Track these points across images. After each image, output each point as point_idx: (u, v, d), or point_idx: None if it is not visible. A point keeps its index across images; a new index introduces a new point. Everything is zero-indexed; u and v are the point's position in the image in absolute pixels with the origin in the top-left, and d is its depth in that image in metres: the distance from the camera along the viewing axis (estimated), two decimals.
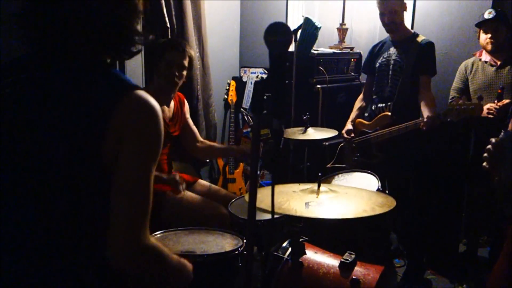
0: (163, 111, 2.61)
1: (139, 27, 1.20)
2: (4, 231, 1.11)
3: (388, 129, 3.00)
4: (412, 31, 3.19)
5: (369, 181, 2.64)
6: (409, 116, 2.95)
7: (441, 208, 3.22)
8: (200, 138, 2.91)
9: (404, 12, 3.10)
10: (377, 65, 3.21)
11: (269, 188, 1.41)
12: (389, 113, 3.07)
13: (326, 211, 1.62)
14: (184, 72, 2.62)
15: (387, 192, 2.71)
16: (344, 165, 3.22)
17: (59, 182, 1.08)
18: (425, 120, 2.80)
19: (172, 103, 2.71)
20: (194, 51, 2.58)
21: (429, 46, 3.05)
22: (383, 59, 3.19)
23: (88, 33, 1.11)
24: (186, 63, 2.61)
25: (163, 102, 2.63)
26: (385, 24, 3.10)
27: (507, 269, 1.55)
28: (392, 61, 3.14)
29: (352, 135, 3.22)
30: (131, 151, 1.07)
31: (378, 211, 1.60)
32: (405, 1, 3.07)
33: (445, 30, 3.57)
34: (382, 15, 3.08)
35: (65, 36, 1.10)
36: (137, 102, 1.08)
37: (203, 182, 2.87)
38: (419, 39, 3.09)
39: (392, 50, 3.16)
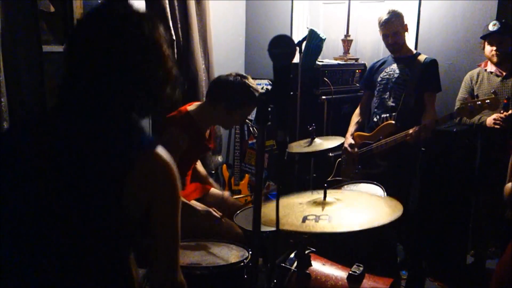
0: (205, 136, 2.62)
1: (170, 90, 1.23)
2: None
3: (393, 136, 3.00)
4: (415, 51, 3.23)
5: (375, 192, 2.62)
6: (413, 125, 2.95)
7: (448, 219, 3.19)
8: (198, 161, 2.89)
9: (406, 33, 3.15)
10: (379, 79, 3.23)
11: (274, 203, 1.40)
12: (393, 122, 3.08)
13: (332, 225, 1.60)
14: None
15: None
16: (342, 179, 3.22)
17: (79, 237, 1.13)
18: (410, 132, 2.87)
19: None
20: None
21: (432, 63, 3.10)
22: (385, 74, 3.21)
23: (120, 98, 1.15)
24: None
25: (207, 127, 2.64)
26: (388, 45, 3.15)
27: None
28: (395, 75, 3.15)
29: (356, 149, 3.22)
30: (163, 210, 1.18)
31: (386, 219, 1.58)
32: (405, 23, 3.12)
33: (450, 41, 3.58)
34: (385, 37, 3.13)
35: (98, 99, 1.14)
36: (153, 163, 1.15)
37: (214, 192, 2.86)
38: (422, 57, 3.13)
39: (395, 65, 3.19)
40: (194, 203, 2.51)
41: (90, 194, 1.11)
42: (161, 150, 1.16)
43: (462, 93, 3.25)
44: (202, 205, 2.53)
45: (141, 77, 1.15)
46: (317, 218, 1.56)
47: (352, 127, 3.34)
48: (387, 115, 3.16)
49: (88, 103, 1.14)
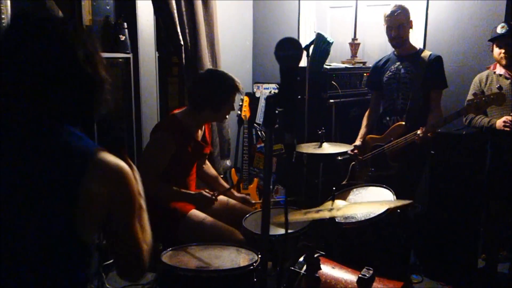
0: (197, 135, 2.65)
1: (100, 94, 1.19)
2: None
3: (403, 137, 2.99)
4: (418, 47, 3.20)
5: (384, 196, 2.61)
6: (423, 124, 2.94)
7: (459, 222, 3.16)
8: (207, 162, 2.93)
9: (410, 30, 3.12)
10: (385, 79, 3.21)
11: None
12: (403, 122, 3.07)
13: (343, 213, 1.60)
14: None
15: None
16: (358, 182, 3.20)
17: (30, 250, 1.10)
18: (418, 132, 2.86)
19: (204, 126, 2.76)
20: None
21: (437, 60, 3.07)
22: (390, 73, 3.19)
23: (45, 108, 1.12)
24: None
25: (197, 129, 2.66)
26: (391, 38, 3.12)
27: None
28: (401, 75, 3.14)
29: (356, 151, 3.20)
30: (120, 212, 1.18)
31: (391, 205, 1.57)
32: (411, 19, 3.10)
33: (458, 43, 3.56)
34: (389, 29, 3.10)
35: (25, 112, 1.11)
36: (104, 167, 1.13)
37: (220, 198, 2.87)
38: (426, 54, 3.10)
39: (399, 64, 3.16)
40: (184, 190, 2.55)
41: (40, 212, 1.07)
42: (107, 154, 1.14)
43: (471, 96, 3.22)
44: (194, 191, 2.60)
45: (61, 83, 1.11)
46: (318, 210, 1.57)
47: (363, 130, 3.33)
48: (398, 117, 3.15)
49: (15, 117, 1.12)
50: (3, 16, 2.22)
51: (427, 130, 2.86)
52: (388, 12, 3.07)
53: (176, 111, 2.64)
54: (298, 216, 1.69)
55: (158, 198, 2.48)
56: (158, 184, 2.44)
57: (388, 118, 3.21)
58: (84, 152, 1.12)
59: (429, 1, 3.65)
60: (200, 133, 2.70)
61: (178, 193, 2.50)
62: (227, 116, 2.71)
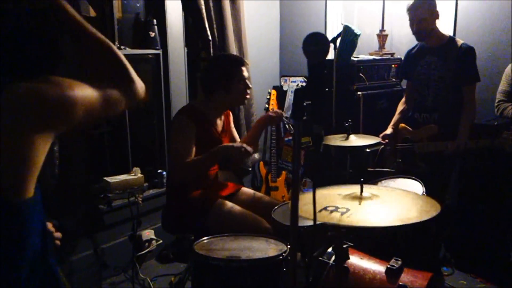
0: (216, 123, 2.66)
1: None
2: None
3: (434, 143, 2.98)
4: (448, 35, 3.11)
5: (413, 188, 2.61)
6: (455, 129, 2.91)
7: (490, 216, 3.12)
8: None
9: (437, 20, 3.03)
10: (416, 73, 3.17)
11: (311, 194, 1.44)
12: (435, 126, 3.04)
13: (367, 219, 1.61)
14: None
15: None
16: (386, 169, 3.19)
17: None
18: (449, 146, 2.87)
19: (222, 116, 2.77)
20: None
21: (468, 52, 2.98)
22: (421, 68, 3.14)
23: None
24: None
25: (216, 117, 2.68)
26: (414, 32, 3.05)
27: None
28: (432, 71, 3.08)
29: (387, 140, 3.18)
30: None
31: (423, 217, 1.58)
32: (437, 9, 3.01)
33: (489, 32, 3.49)
34: (411, 23, 3.04)
35: None
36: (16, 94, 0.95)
37: (246, 190, 2.92)
38: (458, 43, 3.02)
39: (430, 57, 3.09)
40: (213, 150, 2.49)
41: None
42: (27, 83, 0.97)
43: (503, 86, 3.17)
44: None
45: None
46: (335, 209, 1.58)
47: (396, 117, 3.30)
48: (428, 114, 3.13)
49: None
50: None
51: (459, 146, 2.84)
52: (409, 5, 3.01)
53: (194, 102, 2.73)
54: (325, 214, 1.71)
55: (196, 174, 2.53)
56: (187, 164, 2.43)
57: (418, 115, 3.18)
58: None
59: None
60: (219, 123, 2.72)
61: (208, 156, 2.46)
62: (247, 97, 2.64)
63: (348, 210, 1.58)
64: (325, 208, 1.62)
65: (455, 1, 3.61)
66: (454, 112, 3.01)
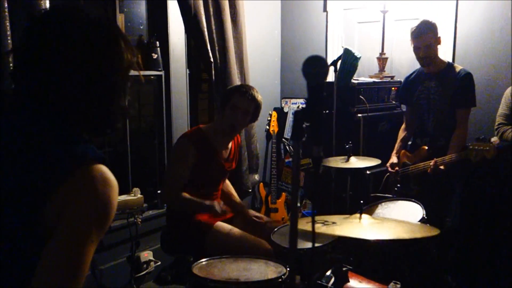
0: (219, 153, 2.67)
1: (121, 102, 1.12)
2: None
3: (422, 163, 3.01)
4: (447, 61, 3.15)
5: (413, 210, 2.59)
6: (446, 150, 2.94)
7: (494, 239, 3.10)
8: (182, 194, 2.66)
9: (439, 46, 3.06)
10: (415, 98, 3.20)
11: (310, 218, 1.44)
12: (426, 147, 3.07)
13: (367, 233, 1.60)
14: (247, 118, 2.63)
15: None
16: (388, 195, 3.18)
17: None
18: (430, 165, 2.90)
19: (230, 143, 2.77)
20: (260, 97, 2.64)
21: (466, 77, 3.00)
22: (420, 93, 3.16)
23: (66, 107, 1.05)
24: (251, 109, 2.61)
25: (222, 144, 2.69)
26: (419, 58, 3.06)
27: None
28: (430, 96, 3.11)
29: (396, 168, 3.20)
30: (66, 222, 0.98)
31: (419, 235, 1.58)
32: (439, 35, 3.04)
33: (488, 55, 3.53)
34: (416, 49, 3.04)
35: (40, 105, 1.05)
36: (88, 177, 1.00)
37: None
38: (456, 69, 3.05)
39: (429, 83, 3.12)
40: (197, 200, 2.51)
41: (8, 204, 0.98)
42: (100, 166, 1.02)
43: (502, 109, 3.18)
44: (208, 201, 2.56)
45: (94, 82, 1.04)
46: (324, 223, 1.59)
47: (397, 144, 3.33)
48: (429, 138, 3.16)
49: (30, 109, 1.05)
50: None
51: (438, 163, 2.87)
52: (414, 30, 3.01)
53: (201, 125, 2.71)
54: (324, 229, 1.71)
55: (179, 209, 2.54)
56: (177, 194, 2.47)
57: (420, 140, 3.21)
58: (76, 158, 1.01)
59: (458, 14, 3.63)
60: (226, 149, 2.73)
61: (192, 202, 2.49)
62: (233, 124, 2.60)
63: (334, 223, 1.59)
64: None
65: (454, 25, 3.65)
66: (446, 135, 3.05)
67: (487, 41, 3.53)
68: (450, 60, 3.54)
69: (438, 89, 3.07)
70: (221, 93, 2.63)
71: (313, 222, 1.28)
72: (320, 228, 1.58)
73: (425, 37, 2.98)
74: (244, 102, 2.58)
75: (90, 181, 0.99)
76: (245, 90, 2.60)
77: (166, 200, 2.51)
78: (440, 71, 3.10)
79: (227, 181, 2.96)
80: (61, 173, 0.98)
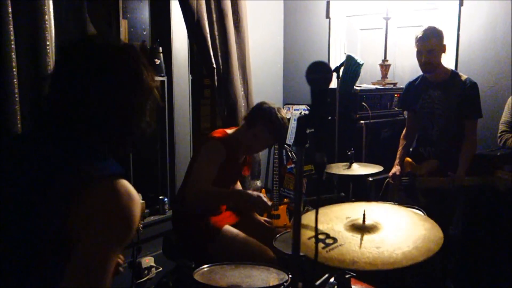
0: (240, 159, 2.74)
1: (145, 124, 1.23)
2: None
3: (433, 178, 2.97)
4: (450, 69, 3.07)
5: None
6: (456, 163, 2.91)
7: (497, 247, 3.08)
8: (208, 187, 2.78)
9: (443, 54, 3.00)
10: (418, 106, 3.13)
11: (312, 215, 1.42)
12: (436, 161, 3.03)
13: (373, 259, 1.54)
14: (266, 147, 2.81)
15: None
16: (390, 203, 3.16)
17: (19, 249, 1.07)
18: (446, 182, 2.88)
19: None
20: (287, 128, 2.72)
21: (472, 87, 2.95)
22: (424, 101, 3.09)
23: (92, 126, 1.17)
24: (272, 143, 2.77)
25: (243, 150, 2.72)
26: (421, 64, 2.98)
27: None
28: (435, 105, 3.04)
29: (398, 180, 3.16)
30: (90, 235, 1.05)
31: (427, 254, 1.53)
32: (444, 43, 2.97)
33: (491, 63, 3.53)
34: (419, 54, 2.97)
35: (69, 121, 1.17)
36: (111, 190, 1.08)
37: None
38: (461, 79, 2.98)
39: (433, 92, 3.05)
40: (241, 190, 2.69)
41: (35, 210, 1.06)
42: (123, 181, 1.11)
43: (505, 116, 3.17)
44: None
45: (117, 105, 1.17)
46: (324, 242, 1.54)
47: (399, 153, 3.26)
48: (433, 148, 3.11)
49: (61, 128, 1.17)
50: (47, 38, 2.35)
51: (455, 182, 2.85)
52: (419, 35, 2.94)
53: (228, 130, 2.73)
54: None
55: (206, 202, 2.56)
56: (208, 187, 2.49)
57: (423, 149, 3.16)
58: (100, 171, 1.10)
59: (461, 21, 3.64)
60: (242, 157, 2.78)
61: (228, 194, 2.62)
62: (255, 149, 2.79)
63: (335, 241, 1.55)
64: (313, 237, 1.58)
65: (456, 33, 3.66)
66: (456, 144, 3.00)
67: (490, 49, 3.53)
68: (453, 68, 3.52)
69: (443, 98, 3.01)
70: (258, 107, 2.65)
71: (316, 229, 1.27)
72: (321, 253, 1.54)
73: (428, 42, 2.92)
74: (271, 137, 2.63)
75: (114, 194, 1.08)
76: (276, 127, 2.58)
77: (192, 198, 2.49)
78: (444, 81, 3.02)
79: (239, 183, 3.00)
80: (85, 185, 1.06)
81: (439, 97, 3.03)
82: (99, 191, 1.07)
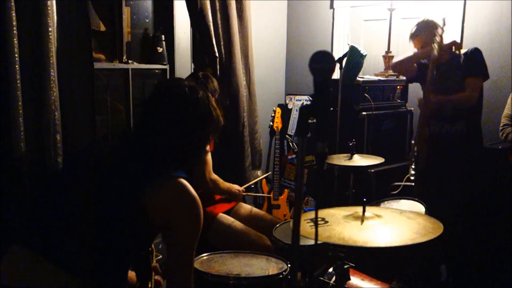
0: None
1: (202, 152, 1.67)
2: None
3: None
4: (455, 52, 3.02)
5: (416, 209, 2.59)
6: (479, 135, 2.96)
7: (494, 238, 3.09)
8: (213, 176, 2.79)
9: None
10: (431, 78, 2.96)
11: (313, 213, 1.44)
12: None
13: (370, 238, 1.59)
14: None
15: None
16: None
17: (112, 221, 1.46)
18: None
19: None
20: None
21: (474, 51, 2.94)
22: (434, 75, 2.96)
23: (167, 148, 1.52)
24: None
25: None
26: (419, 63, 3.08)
27: None
28: (446, 80, 2.99)
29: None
30: (181, 235, 1.49)
31: (425, 238, 1.56)
32: (441, 33, 2.90)
33: (494, 57, 3.50)
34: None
35: (150, 145, 1.53)
36: (177, 189, 1.48)
37: (245, 206, 2.92)
38: (462, 51, 2.99)
39: (443, 67, 2.99)
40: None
41: (123, 204, 1.45)
42: (185, 181, 1.49)
43: (508, 110, 3.16)
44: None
45: (191, 136, 1.55)
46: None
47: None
48: (449, 125, 3.03)
49: (143, 146, 1.53)
50: (49, 24, 2.34)
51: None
52: (410, 33, 3.01)
53: None
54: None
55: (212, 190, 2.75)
56: (215, 179, 2.70)
57: (439, 126, 3.08)
58: (169, 175, 1.50)
59: (465, 13, 3.61)
60: None
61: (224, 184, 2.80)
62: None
63: (326, 222, 1.59)
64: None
65: (461, 25, 3.63)
66: (476, 118, 2.98)
67: (495, 41, 3.51)
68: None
69: (451, 71, 2.98)
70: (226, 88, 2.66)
71: (316, 218, 1.28)
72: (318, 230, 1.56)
73: (419, 37, 2.96)
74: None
75: (186, 187, 1.49)
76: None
77: (206, 181, 2.69)
78: (447, 60, 3.00)
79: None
80: (163, 181, 1.47)
81: (448, 72, 2.98)
82: (177, 185, 1.48)
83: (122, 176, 1.49)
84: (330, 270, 1.91)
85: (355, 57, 3.45)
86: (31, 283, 1.41)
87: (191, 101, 1.53)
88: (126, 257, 1.51)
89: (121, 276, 1.52)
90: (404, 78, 3.69)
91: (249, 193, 3.28)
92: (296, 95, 4.51)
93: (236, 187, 2.84)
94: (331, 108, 3.30)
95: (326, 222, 1.61)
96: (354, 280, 1.87)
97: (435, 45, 2.81)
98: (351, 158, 2.93)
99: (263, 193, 4.20)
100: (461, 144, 2.97)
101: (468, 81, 2.92)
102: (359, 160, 2.92)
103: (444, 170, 3.00)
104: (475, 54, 2.95)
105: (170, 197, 1.47)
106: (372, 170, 3.29)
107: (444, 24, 2.90)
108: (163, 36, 3.48)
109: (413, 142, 3.02)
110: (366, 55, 3.50)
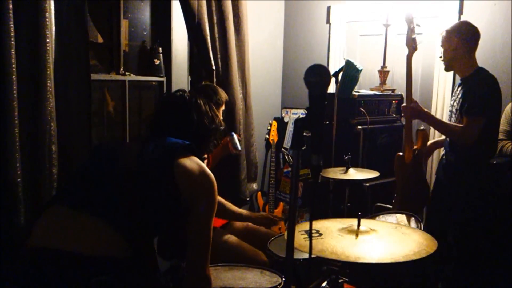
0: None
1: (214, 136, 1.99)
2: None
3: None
4: (477, 66, 2.90)
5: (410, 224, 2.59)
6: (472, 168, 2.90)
7: (493, 256, 3.08)
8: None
9: (460, 51, 2.85)
10: (449, 106, 3.04)
11: (307, 224, 1.43)
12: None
13: (363, 253, 1.58)
14: None
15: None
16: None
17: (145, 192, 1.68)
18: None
19: None
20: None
21: (479, 83, 2.81)
22: (452, 101, 3.01)
23: (184, 133, 1.86)
24: None
25: None
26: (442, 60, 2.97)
27: None
28: (456, 104, 2.93)
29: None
30: (200, 211, 1.73)
31: (418, 255, 1.55)
32: (457, 40, 2.85)
33: (489, 71, 3.52)
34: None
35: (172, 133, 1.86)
36: (195, 161, 1.77)
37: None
38: (482, 75, 2.85)
39: (459, 90, 2.94)
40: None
41: (154, 176, 1.70)
42: (195, 159, 1.78)
43: (503, 125, 3.16)
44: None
45: (196, 127, 1.90)
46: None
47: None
48: (447, 149, 3.04)
49: (165, 134, 1.85)
50: (47, 36, 2.36)
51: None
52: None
53: None
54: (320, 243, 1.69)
55: None
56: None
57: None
58: (181, 152, 1.77)
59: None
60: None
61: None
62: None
63: (320, 234, 1.58)
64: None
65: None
66: (465, 157, 2.91)
67: (489, 58, 3.52)
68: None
69: (458, 97, 2.90)
70: None
71: (311, 233, 1.28)
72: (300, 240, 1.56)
73: (442, 40, 2.93)
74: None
75: (200, 164, 1.76)
76: None
77: None
78: (465, 77, 2.90)
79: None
80: (181, 155, 1.75)
81: (461, 95, 2.88)
82: (190, 158, 1.76)
83: (156, 152, 1.75)
84: (324, 284, 1.90)
85: (351, 71, 3.48)
86: (64, 242, 1.52)
87: (191, 101, 1.91)
88: (157, 222, 1.72)
89: (151, 234, 1.80)
90: (399, 93, 3.72)
91: None
92: (292, 108, 4.53)
93: None
94: (327, 122, 3.31)
95: (320, 234, 1.61)
96: None
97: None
98: (346, 171, 2.94)
99: (258, 207, 4.20)
100: (468, 159, 2.91)
101: (466, 121, 2.79)
102: (354, 174, 2.93)
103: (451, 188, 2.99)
104: (480, 86, 2.80)
105: (190, 167, 1.72)
106: (367, 184, 3.30)
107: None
108: (160, 49, 3.50)
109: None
110: (361, 69, 3.53)
